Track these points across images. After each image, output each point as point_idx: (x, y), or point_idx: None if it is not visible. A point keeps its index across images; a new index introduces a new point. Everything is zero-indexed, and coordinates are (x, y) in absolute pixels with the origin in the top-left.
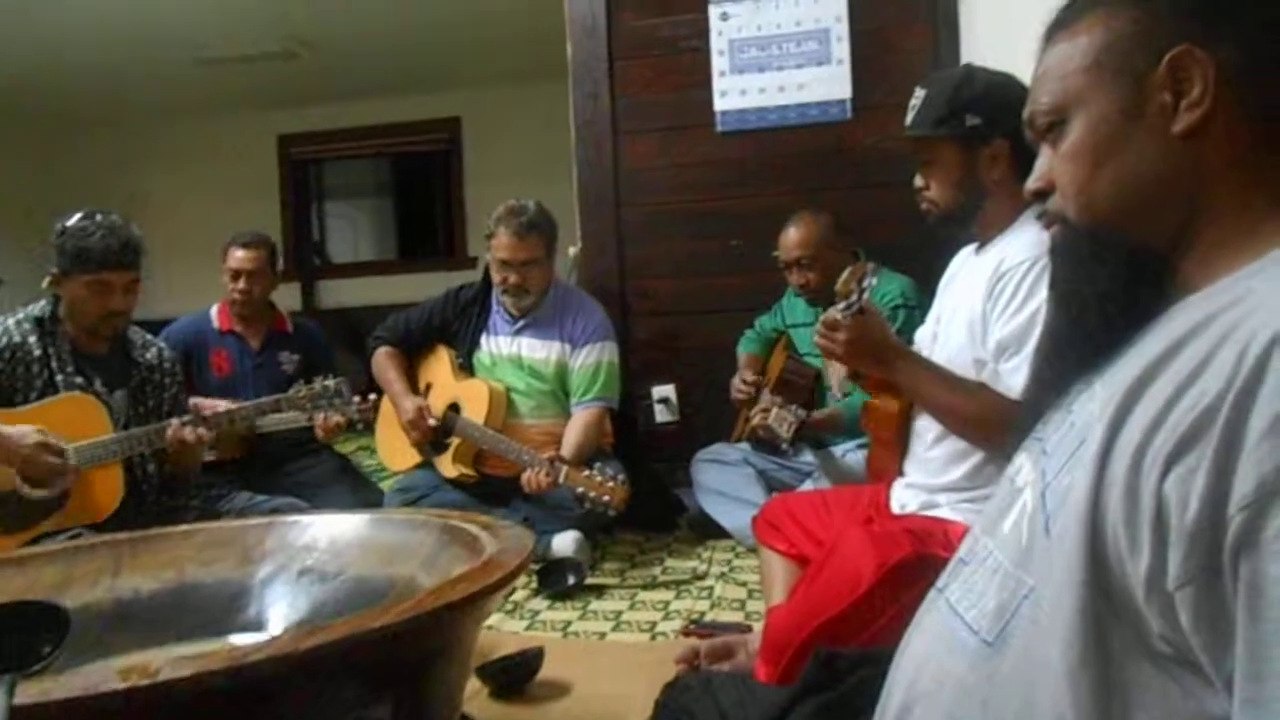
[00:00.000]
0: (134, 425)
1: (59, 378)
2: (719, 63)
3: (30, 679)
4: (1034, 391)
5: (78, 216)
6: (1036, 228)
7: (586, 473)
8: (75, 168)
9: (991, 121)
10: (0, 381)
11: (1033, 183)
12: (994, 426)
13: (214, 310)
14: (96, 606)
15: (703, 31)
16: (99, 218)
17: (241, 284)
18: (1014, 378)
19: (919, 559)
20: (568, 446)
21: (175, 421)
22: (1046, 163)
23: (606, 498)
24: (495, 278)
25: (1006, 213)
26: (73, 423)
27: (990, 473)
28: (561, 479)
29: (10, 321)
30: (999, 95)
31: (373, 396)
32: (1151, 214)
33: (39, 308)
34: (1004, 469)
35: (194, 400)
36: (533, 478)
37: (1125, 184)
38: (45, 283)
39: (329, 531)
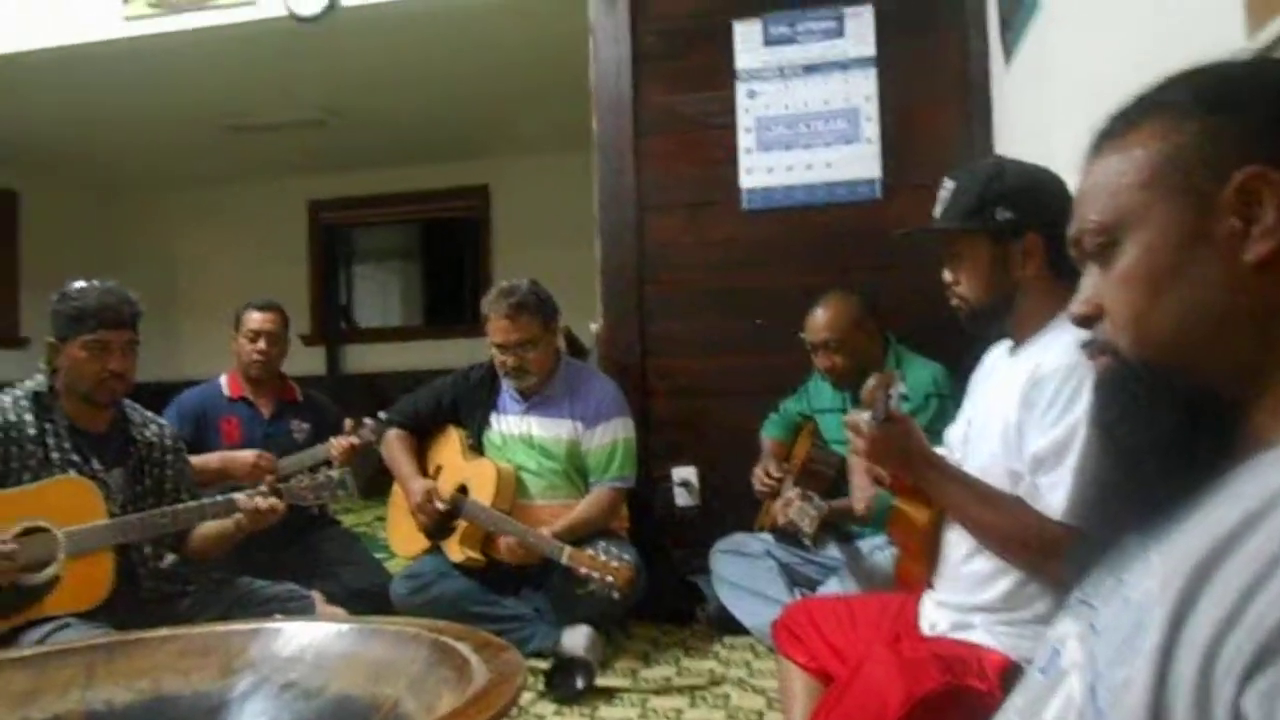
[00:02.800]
0: (131, 506)
1: (55, 455)
2: (745, 140)
3: None
4: (1080, 537)
5: (76, 285)
6: (1075, 331)
7: (589, 552)
8: (113, 231)
9: (1024, 216)
10: None
11: (1078, 306)
12: (1033, 548)
13: (224, 379)
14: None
15: (730, 108)
16: (97, 282)
17: (261, 345)
18: (1053, 494)
19: (951, 692)
20: (565, 519)
21: (244, 496)
22: (1094, 285)
23: (610, 578)
24: (496, 360)
25: (1041, 312)
26: (66, 505)
27: (1031, 593)
28: (564, 559)
29: (7, 399)
30: (1031, 188)
31: (382, 415)
32: (1217, 351)
33: (37, 383)
34: (1045, 592)
35: (220, 455)
36: (511, 547)
37: (1187, 316)
38: (43, 361)
39: (315, 642)
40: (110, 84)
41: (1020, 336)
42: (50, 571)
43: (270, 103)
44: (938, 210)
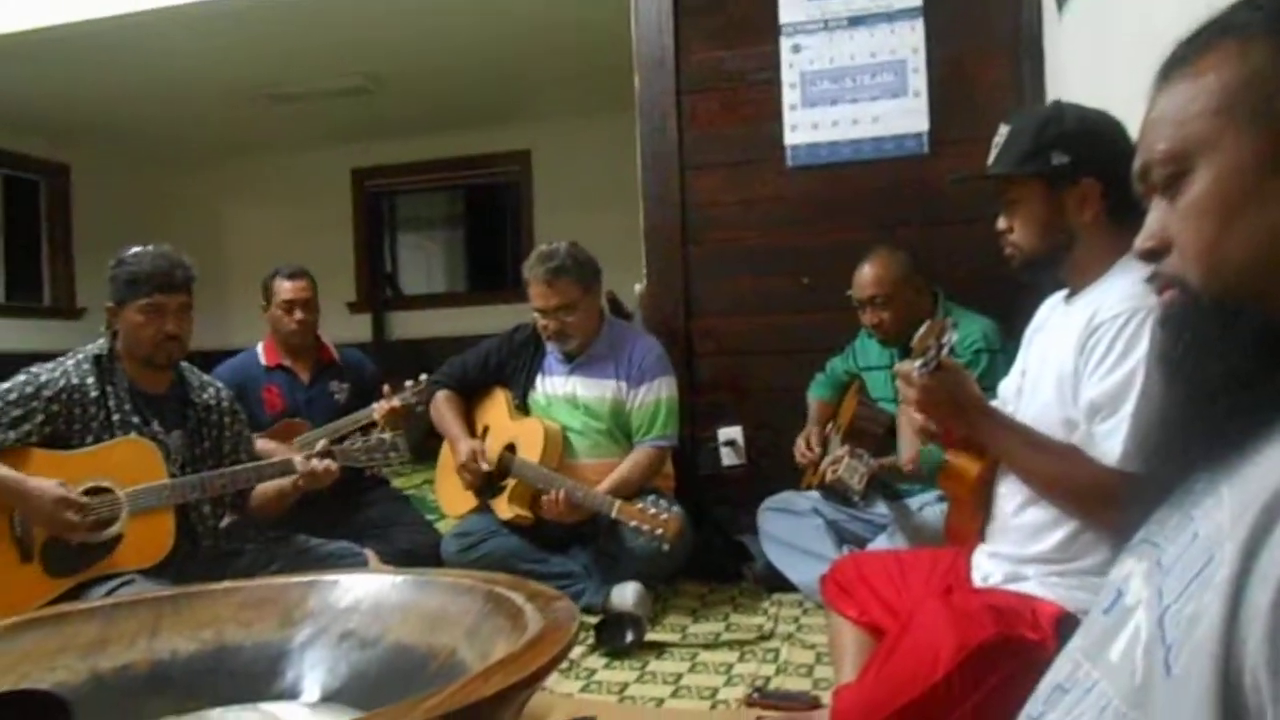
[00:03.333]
0: (190, 466)
1: (116, 417)
2: (790, 96)
3: None
4: (1141, 480)
5: (130, 250)
6: (1134, 276)
7: (638, 505)
8: (161, 202)
9: (1081, 160)
10: (55, 424)
11: (1144, 240)
12: (1089, 496)
13: (260, 348)
14: (133, 669)
15: (773, 64)
16: (151, 247)
17: (299, 314)
18: (1109, 441)
19: (1003, 641)
20: (608, 479)
21: (301, 458)
22: (1160, 218)
23: (659, 530)
24: (537, 324)
25: (1098, 259)
26: (129, 466)
27: (1086, 543)
28: (613, 513)
29: (69, 363)
30: (1089, 132)
31: (424, 377)
32: None
33: (97, 346)
34: (1101, 541)
35: (260, 445)
36: (554, 503)
37: (1261, 245)
38: (102, 325)
39: (372, 593)
40: (155, 55)
41: (1076, 284)
42: (114, 530)
43: (312, 70)
44: (992, 157)
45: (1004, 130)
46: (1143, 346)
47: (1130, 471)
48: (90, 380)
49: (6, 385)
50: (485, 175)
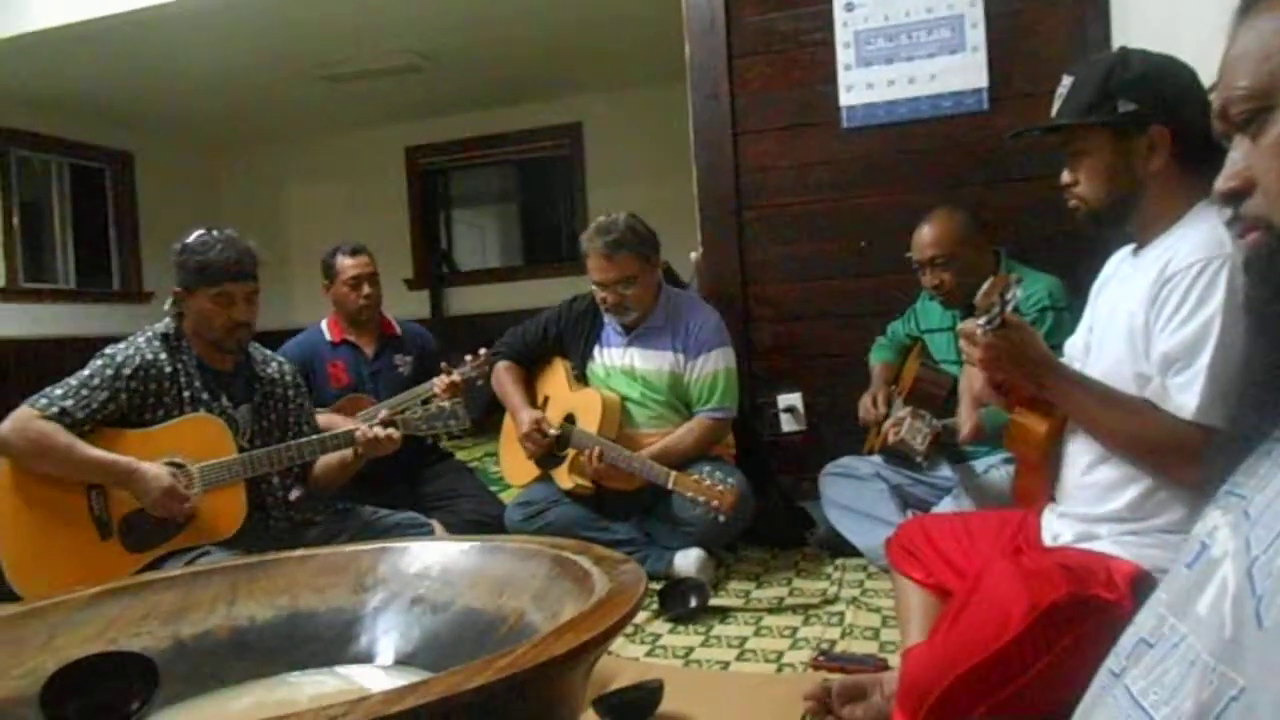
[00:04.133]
0: (258, 440)
1: (187, 394)
2: (844, 56)
3: None
4: (1224, 429)
5: (197, 234)
6: (1208, 225)
7: (694, 476)
8: (222, 186)
9: (1149, 106)
10: (134, 401)
11: (1225, 181)
12: (1165, 450)
13: (324, 324)
14: (214, 634)
15: (827, 24)
16: (216, 233)
17: (365, 289)
18: (1184, 395)
19: (1078, 601)
20: (656, 444)
21: (364, 426)
22: (1243, 158)
23: (715, 502)
24: (596, 297)
25: (1169, 208)
26: (199, 442)
27: (1161, 501)
28: (669, 484)
29: (140, 340)
30: (1158, 78)
31: (483, 352)
32: None
33: (164, 325)
34: (1177, 498)
35: (324, 418)
36: (602, 471)
37: None
38: (168, 303)
39: (441, 559)
40: (213, 41)
41: (1145, 235)
42: (188, 505)
43: (366, 50)
44: (1055, 107)
45: (1067, 80)
46: (1219, 296)
47: (1208, 425)
48: (163, 356)
49: (87, 371)
50: (537, 149)
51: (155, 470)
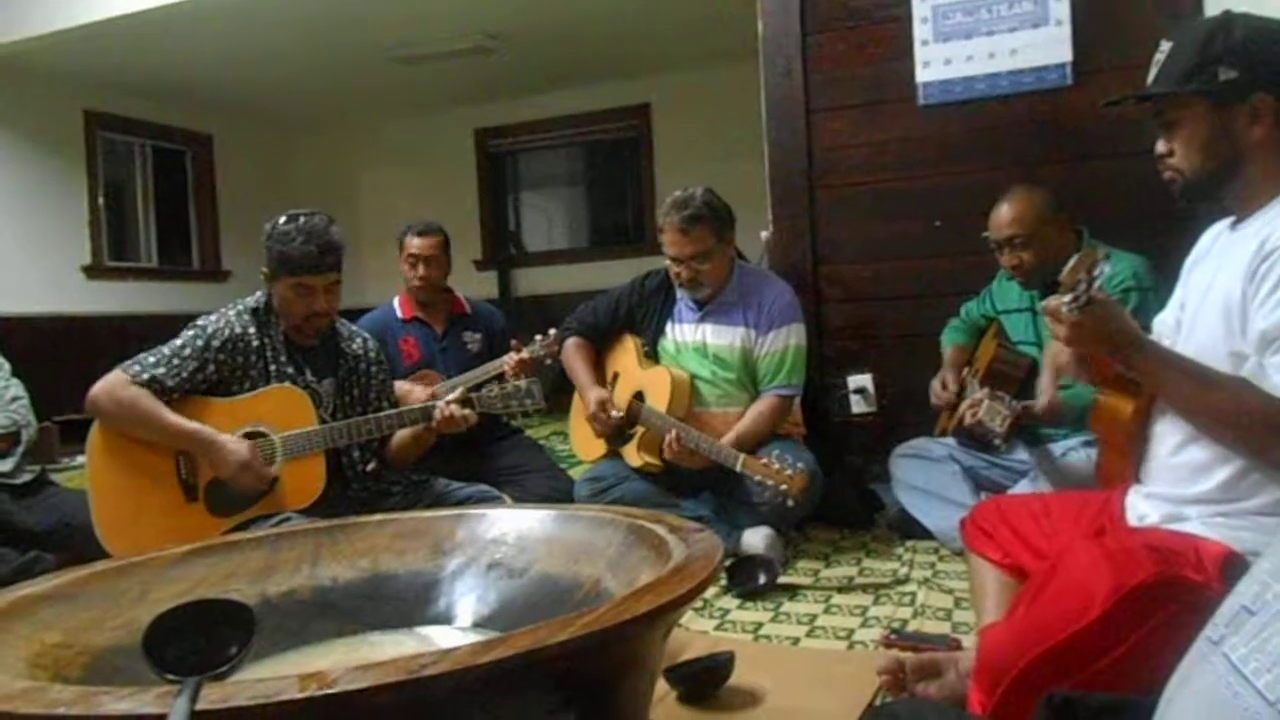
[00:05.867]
0: (340, 413)
1: (273, 367)
2: (921, 31)
3: (214, 681)
4: None
5: (283, 219)
6: None
7: (763, 460)
8: (296, 167)
9: (1252, 74)
10: (222, 372)
11: None
12: (1262, 431)
13: (396, 301)
14: (298, 594)
15: None
16: (302, 220)
17: (421, 270)
18: None
19: (1164, 582)
20: (731, 431)
21: (442, 404)
22: None
23: (783, 486)
24: (670, 271)
25: (1271, 181)
26: (282, 412)
27: (1254, 482)
28: (738, 467)
29: (231, 313)
30: (1263, 44)
31: (553, 332)
32: None
33: (255, 299)
34: (1271, 479)
35: (396, 387)
36: (668, 445)
37: None
38: (262, 277)
39: (517, 526)
40: (288, 24)
41: (1244, 209)
42: (270, 472)
43: (437, 32)
44: (1151, 75)
45: (1165, 46)
46: None
47: None
48: (251, 330)
49: (179, 341)
50: (605, 130)
51: (234, 444)
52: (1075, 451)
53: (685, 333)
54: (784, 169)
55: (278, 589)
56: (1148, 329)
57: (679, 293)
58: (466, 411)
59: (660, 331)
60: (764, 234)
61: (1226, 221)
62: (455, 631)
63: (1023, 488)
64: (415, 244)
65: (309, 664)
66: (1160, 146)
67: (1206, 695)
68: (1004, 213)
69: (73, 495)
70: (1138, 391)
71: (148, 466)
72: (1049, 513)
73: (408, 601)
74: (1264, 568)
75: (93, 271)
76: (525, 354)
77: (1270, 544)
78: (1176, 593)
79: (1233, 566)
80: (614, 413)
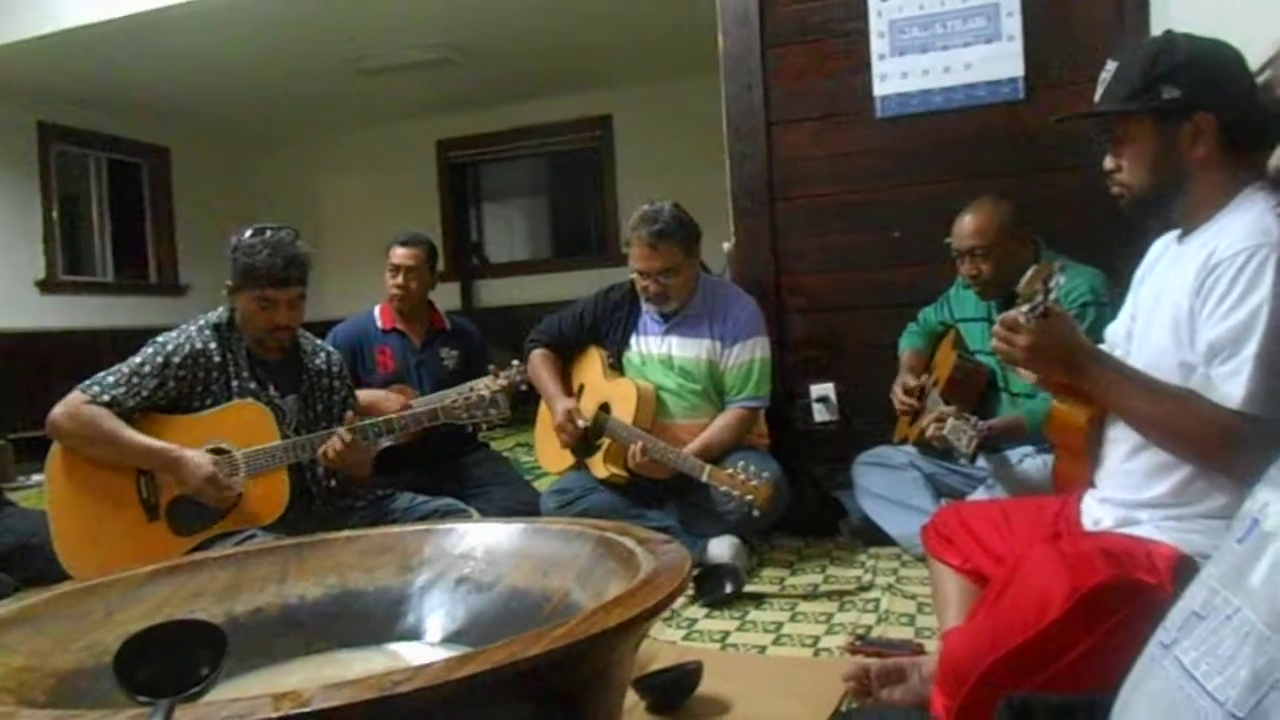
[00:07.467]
0: (304, 428)
1: (235, 383)
2: (878, 45)
3: (187, 702)
4: (1272, 410)
5: (249, 233)
6: (1255, 212)
7: (729, 471)
8: (256, 180)
9: (1194, 93)
10: (183, 388)
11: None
12: (1209, 440)
13: (377, 310)
14: (265, 612)
15: (861, 13)
16: (269, 234)
17: (400, 279)
18: (1230, 384)
19: (1119, 585)
20: (696, 440)
21: (335, 436)
22: None
23: (750, 496)
24: (637, 285)
25: (1214, 196)
26: (244, 429)
27: (1202, 488)
28: (704, 477)
29: (192, 329)
30: (1203, 64)
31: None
32: None
33: (218, 314)
34: (1218, 484)
35: (367, 393)
36: (638, 457)
37: None
38: (225, 291)
39: (485, 540)
40: (247, 36)
41: (1190, 223)
42: (236, 484)
43: (397, 43)
44: (1099, 93)
45: (1112, 65)
46: (1266, 285)
47: (1253, 414)
48: (213, 345)
49: (138, 359)
50: (567, 142)
51: (198, 458)
52: (1031, 459)
53: (650, 345)
54: (746, 181)
55: (245, 608)
56: (1103, 343)
57: (644, 305)
58: (342, 433)
59: (625, 343)
60: (726, 245)
61: (1174, 234)
62: (425, 647)
63: (980, 495)
64: (397, 254)
65: (279, 683)
66: (1108, 162)
67: (1160, 697)
68: (966, 223)
69: (32, 515)
70: (1092, 400)
71: (108, 487)
72: (1007, 518)
73: (376, 618)
74: (1212, 573)
75: (47, 286)
76: (503, 380)
77: (1218, 548)
78: (1130, 595)
79: (1184, 568)
80: (581, 421)
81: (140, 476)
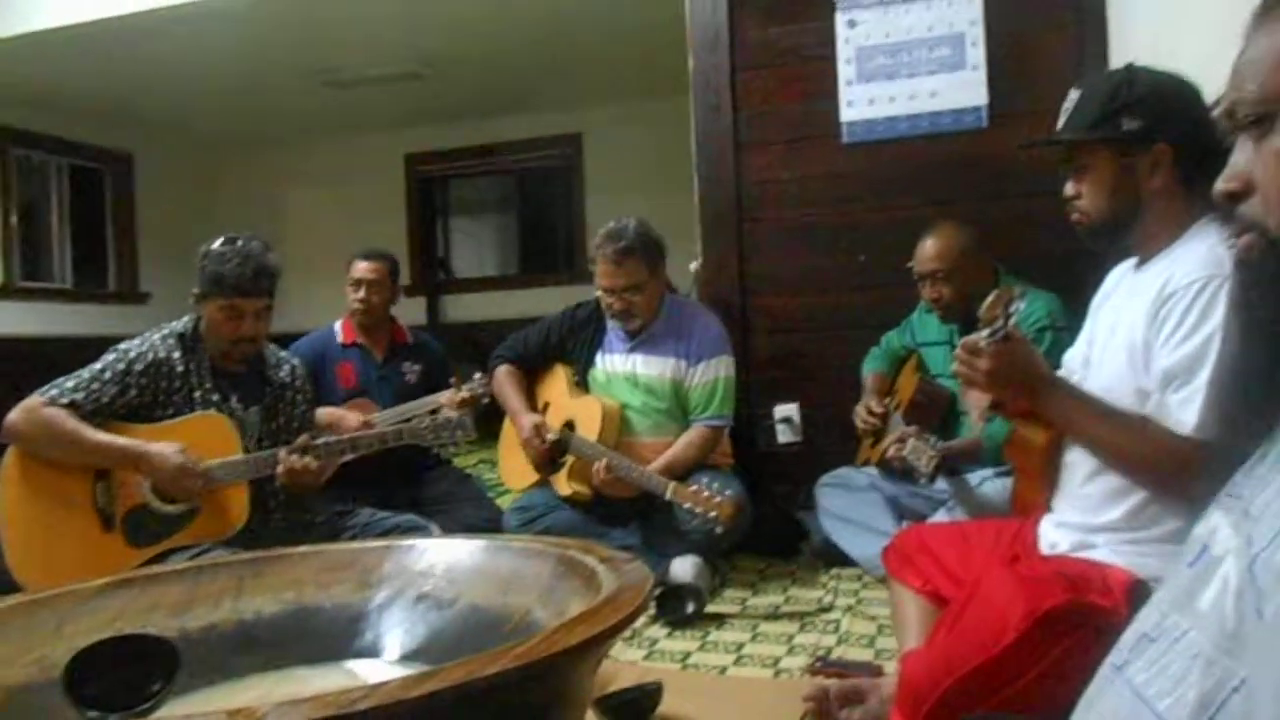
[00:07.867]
0: (266, 441)
1: (197, 394)
2: (846, 71)
3: (137, 718)
4: (1222, 435)
5: (219, 242)
6: (1209, 243)
7: (693, 488)
8: (221, 189)
9: (1152, 125)
10: (144, 397)
11: (1225, 181)
12: (1163, 466)
13: (338, 325)
14: (220, 627)
15: (829, 40)
16: (239, 244)
17: (361, 293)
18: (1184, 411)
19: (1074, 607)
20: (660, 458)
21: (283, 452)
22: (1244, 160)
23: (713, 513)
24: (602, 303)
25: (1170, 225)
26: (205, 441)
27: (1155, 512)
28: (668, 494)
29: (156, 338)
30: (1163, 97)
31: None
32: None
33: (182, 324)
34: (1172, 508)
35: (329, 411)
36: (603, 477)
37: None
38: (191, 300)
39: (445, 557)
40: (214, 44)
41: (1146, 251)
42: (200, 482)
43: (367, 56)
44: (1061, 121)
45: (1074, 95)
46: (1218, 314)
47: (1206, 440)
48: (176, 355)
49: (99, 365)
50: (536, 159)
51: (165, 448)
52: (990, 481)
53: (615, 363)
54: (713, 201)
55: (199, 623)
56: (1061, 367)
57: (609, 323)
58: (308, 460)
59: (591, 361)
60: (693, 265)
61: (1131, 262)
62: (383, 665)
63: (940, 516)
64: (359, 268)
65: (234, 699)
66: (1069, 189)
67: (1112, 717)
68: (928, 247)
69: None
70: (1051, 424)
71: (63, 494)
72: (967, 540)
73: (334, 635)
74: (1162, 597)
75: (4, 292)
76: (465, 392)
77: (1170, 571)
78: (1086, 617)
79: (1137, 592)
80: (549, 436)
81: (97, 485)
